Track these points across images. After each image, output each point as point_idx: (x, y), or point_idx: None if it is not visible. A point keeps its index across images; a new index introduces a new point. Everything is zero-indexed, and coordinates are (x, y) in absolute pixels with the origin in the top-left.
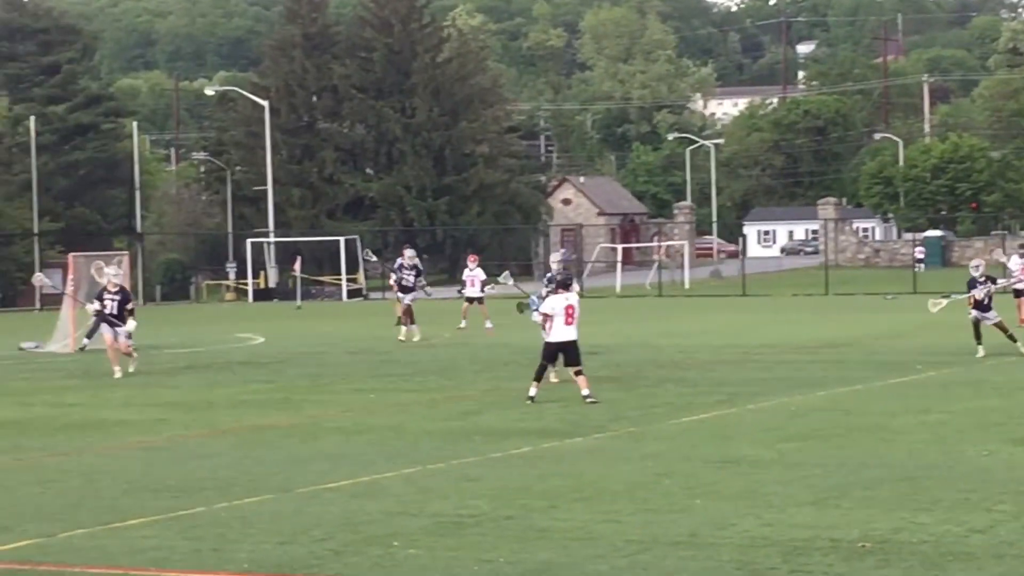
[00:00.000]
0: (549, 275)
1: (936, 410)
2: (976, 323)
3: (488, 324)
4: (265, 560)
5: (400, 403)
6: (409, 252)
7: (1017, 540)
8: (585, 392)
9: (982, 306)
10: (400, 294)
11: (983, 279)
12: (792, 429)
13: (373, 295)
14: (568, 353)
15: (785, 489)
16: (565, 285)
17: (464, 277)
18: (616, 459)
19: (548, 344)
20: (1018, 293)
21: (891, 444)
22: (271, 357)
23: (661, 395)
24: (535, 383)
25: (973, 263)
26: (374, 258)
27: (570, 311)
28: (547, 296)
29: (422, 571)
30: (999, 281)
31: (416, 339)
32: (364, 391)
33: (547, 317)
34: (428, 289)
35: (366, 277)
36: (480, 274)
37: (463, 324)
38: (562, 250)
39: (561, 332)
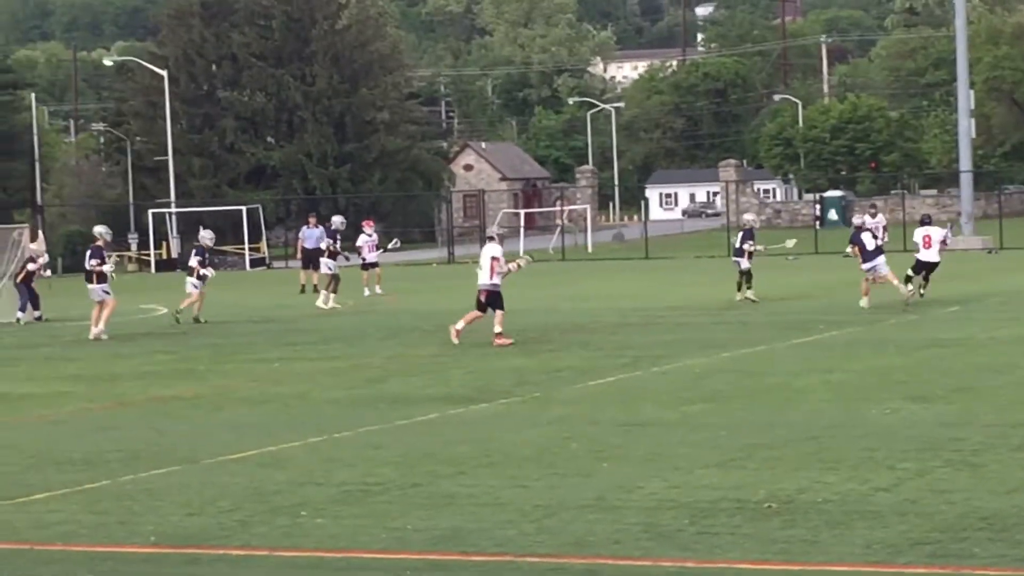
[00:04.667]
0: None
1: (839, 369)
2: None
3: (379, 290)
4: (172, 532)
5: (305, 372)
6: (337, 219)
7: (920, 498)
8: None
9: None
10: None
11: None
12: (697, 391)
13: (276, 264)
14: None
15: (691, 451)
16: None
17: (360, 243)
18: (522, 424)
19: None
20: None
21: (795, 404)
22: (174, 328)
23: (566, 359)
24: None
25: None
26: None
27: None
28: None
29: (330, 540)
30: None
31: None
32: (268, 360)
33: None
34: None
35: (269, 246)
36: (375, 239)
37: (367, 292)
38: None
39: None
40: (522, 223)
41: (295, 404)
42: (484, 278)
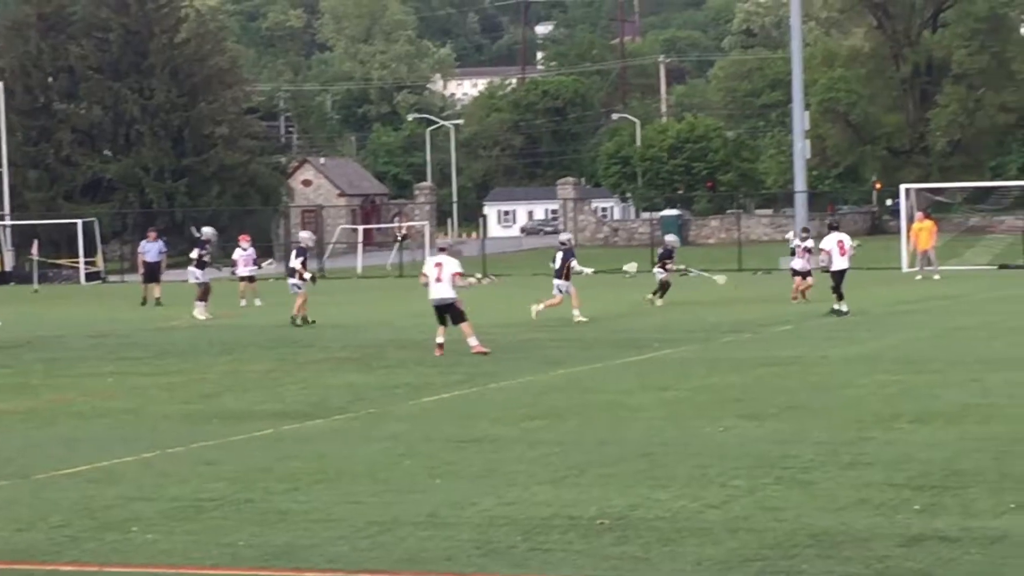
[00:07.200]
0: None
1: (674, 387)
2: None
3: (257, 302)
4: (2, 548)
5: (139, 386)
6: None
7: (751, 515)
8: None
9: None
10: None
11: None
12: (533, 408)
13: (112, 278)
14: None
15: (525, 468)
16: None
17: (236, 257)
18: (357, 440)
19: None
20: (795, 272)
21: (629, 421)
22: (7, 341)
23: (402, 376)
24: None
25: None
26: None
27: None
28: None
29: (161, 556)
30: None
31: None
32: (102, 375)
33: None
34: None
35: (105, 260)
36: (252, 253)
37: (243, 303)
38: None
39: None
40: (360, 239)
41: (128, 419)
42: (444, 291)
